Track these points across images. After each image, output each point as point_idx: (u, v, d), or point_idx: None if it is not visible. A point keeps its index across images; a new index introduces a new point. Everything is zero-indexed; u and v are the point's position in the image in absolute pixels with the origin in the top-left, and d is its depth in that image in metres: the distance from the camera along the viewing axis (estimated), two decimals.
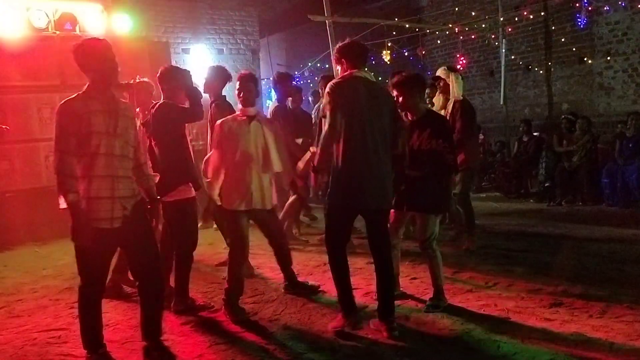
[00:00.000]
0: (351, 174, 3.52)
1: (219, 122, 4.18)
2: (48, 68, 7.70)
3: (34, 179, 7.66)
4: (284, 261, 4.55)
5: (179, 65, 5.24)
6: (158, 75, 4.26)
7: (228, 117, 4.25)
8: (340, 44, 3.76)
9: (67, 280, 5.41)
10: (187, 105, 4.18)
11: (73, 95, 3.16)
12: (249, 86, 4.17)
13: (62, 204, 3.15)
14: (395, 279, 4.22)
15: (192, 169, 4.28)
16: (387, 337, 3.49)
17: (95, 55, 3.20)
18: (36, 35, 7.57)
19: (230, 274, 4.10)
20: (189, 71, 4.43)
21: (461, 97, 5.60)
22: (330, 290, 4.29)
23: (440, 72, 5.70)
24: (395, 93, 3.97)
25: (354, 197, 3.55)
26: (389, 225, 3.94)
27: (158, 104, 4.22)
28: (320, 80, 6.27)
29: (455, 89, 5.58)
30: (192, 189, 4.23)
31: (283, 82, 6.02)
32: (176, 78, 4.21)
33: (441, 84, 5.66)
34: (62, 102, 3.13)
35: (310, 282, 4.63)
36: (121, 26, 8.31)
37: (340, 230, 3.70)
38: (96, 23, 8.11)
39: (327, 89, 3.60)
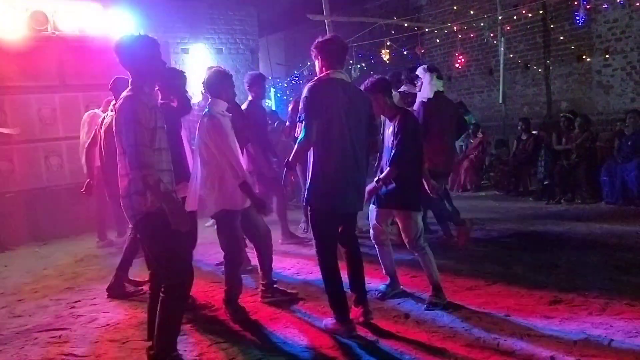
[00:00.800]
0: (332, 180, 3.50)
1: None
2: (47, 68, 7.71)
3: (34, 180, 7.68)
4: (267, 264, 4.45)
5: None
6: None
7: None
8: (319, 38, 3.64)
9: (67, 280, 5.43)
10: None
11: (128, 93, 3.07)
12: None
13: (135, 201, 3.06)
14: (393, 275, 4.34)
15: (186, 167, 4.28)
16: (364, 321, 3.68)
17: (147, 52, 3.14)
18: (35, 35, 7.58)
19: (229, 273, 4.11)
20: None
21: (426, 98, 5.45)
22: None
23: (418, 71, 5.68)
24: None
25: (335, 201, 3.54)
26: (375, 223, 4.25)
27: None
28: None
29: (427, 90, 5.49)
30: (184, 188, 4.24)
31: (259, 83, 5.95)
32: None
33: (419, 82, 5.61)
34: (130, 98, 3.04)
35: (289, 290, 4.52)
36: (120, 26, 8.32)
37: (328, 236, 3.66)
38: (95, 23, 8.12)
39: (304, 93, 3.51)
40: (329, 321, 3.68)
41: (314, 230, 3.71)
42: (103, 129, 5.00)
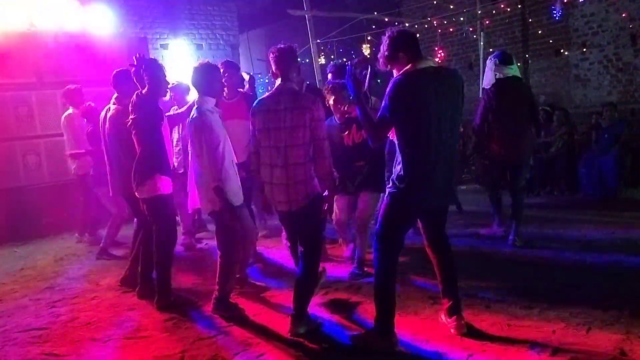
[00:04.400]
0: (424, 172, 3.16)
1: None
2: (24, 65, 7.58)
3: (12, 179, 7.55)
4: (245, 259, 4.43)
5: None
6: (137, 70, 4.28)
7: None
8: (386, 39, 3.26)
9: (47, 280, 5.36)
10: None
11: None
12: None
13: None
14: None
15: (167, 161, 4.27)
16: (456, 334, 3.36)
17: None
18: (11, 32, 7.44)
19: (224, 270, 3.99)
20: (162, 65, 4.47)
21: (488, 86, 5.58)
22: None
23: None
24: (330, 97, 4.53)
25: (426, 194, 3.22)
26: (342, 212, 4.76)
27: (137, 96, 4.25)
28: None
29: (488, 77, 5.54)
30: (167, 184, 4.23)
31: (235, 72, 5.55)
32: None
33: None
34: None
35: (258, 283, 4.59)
36: (98, 22, 8.22)
37: (397, 237, 3.31)
38: (72, 19, 8.01)
39: (388, 90, 3.11)
40: (364, 333, 3.40)
41: (384, 227, 3.27)
42: (108, 123, 4.80)
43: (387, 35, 3.29)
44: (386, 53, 3.25)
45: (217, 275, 4.03)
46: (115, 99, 4.78)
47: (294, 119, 3.42)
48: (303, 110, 3.42)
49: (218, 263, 4.02)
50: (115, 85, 4.77)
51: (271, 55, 3.59)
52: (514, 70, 5.39)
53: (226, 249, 3.98)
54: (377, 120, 3.22)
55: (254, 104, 3.67)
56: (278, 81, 3.60)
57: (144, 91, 4.22)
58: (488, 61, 5.52)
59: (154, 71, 4.19)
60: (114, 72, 4.81)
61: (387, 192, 3.32)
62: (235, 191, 3.89)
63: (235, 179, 3.89)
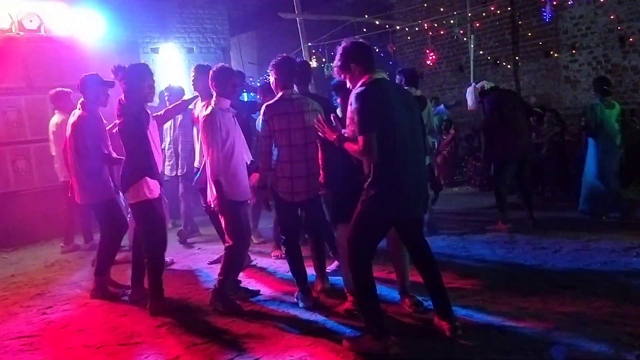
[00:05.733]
0: (397, 183, 3.19)
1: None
2: (13, 70, 7.52)
3: (1, 184, 7.48)
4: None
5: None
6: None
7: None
8: (340, 49, 3.33)
9: (38, 286, 5.31)
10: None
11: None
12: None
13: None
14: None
15: (155, 165, 4.26)
16: (450, 337, 3.35)
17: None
18: (1, 36, 7.38)
19: (228, 264, 4.09)
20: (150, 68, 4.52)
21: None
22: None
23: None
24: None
25: (400, 207, 3.25)
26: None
27: (118, 103, 4.27)
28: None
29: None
30: (155, 188, 4.22)
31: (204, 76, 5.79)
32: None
33: None
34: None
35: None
36: (88, 26, 8.17)
37: (370, 245, 3.32)
38: (62, 23, 7.95)
39: (354, 104, 3.17)
40: (359, 337, 3.38)
41: (356, 237, 3.27)
42: (70, 128, 4.81)
43: (341, 45, 3.37)
44: (339, 63, 3.36)
45: (221, 266, 4.13)
46: (80, 103, 4.76)
47: (310, 120, 3.97)
48: (316, 112, 4.01)
49: (224, 254, 4.14)
50: (81, 90, 4.77)
51: (272, 68, 4.18)
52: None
53: (233, 241, 4.08)
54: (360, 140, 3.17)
55: (267, 110, 4.08)
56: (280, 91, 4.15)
57: (122, 97, 4.22)
58: (470, 88, 6.60)
59: (129, 78, 4.20)
60: (82, 76, 4.80)
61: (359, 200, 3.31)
62: (242, 188, 4.17)
63: (242, 177, 4.17)
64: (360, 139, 3.15)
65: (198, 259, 5.90)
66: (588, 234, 5.60)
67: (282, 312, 4.07)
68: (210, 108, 4.07)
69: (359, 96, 3.17)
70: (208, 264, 5.56)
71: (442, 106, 10.60)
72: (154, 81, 4.36)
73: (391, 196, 3.19)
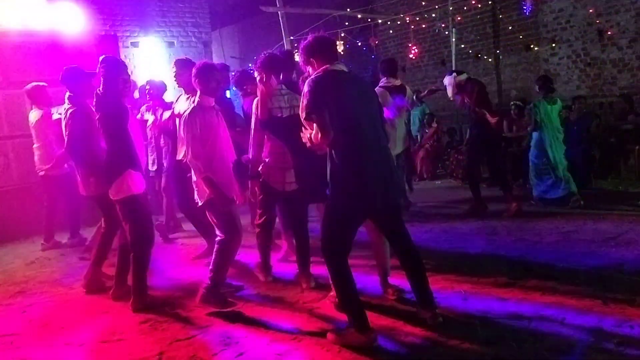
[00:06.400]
0: (362, 175, 3.20)
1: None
2: None
3: None
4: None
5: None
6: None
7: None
8: (303, 43, 3.44)
9: (18, 284, 5.23)
10: None
11: None
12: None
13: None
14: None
15: (137, 158, 4.24)
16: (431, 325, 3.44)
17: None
18: None
19: (223, 255, 3.96)
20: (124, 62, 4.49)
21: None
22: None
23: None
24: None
25: (368, 199, 3.25)
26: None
27: (95, 95, 4.22)
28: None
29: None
30: (140, 183, 4.18)
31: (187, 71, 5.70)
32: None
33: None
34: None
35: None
36: (66, 20, 8.04)
37: (342, 238, 3.32)
38: (40, 17, 7.82)
39: (305, 88, 3.24)
40: (343, 330, 3.35)
41: (328, 233, 3.32)
42: (69, 128, 4.72)
43: (305, 40, 3.45)
44: (302, 58, 3.47)
45: (212, 261, 3.98)
46: (68, 98, 4.70)
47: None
48: None
49: (215, 249, 4.00)
50: (65, 83, 4.72)
51: (259, 67, 4.27)
52: None
53: (226, 237, 3.95)
54: (305, 122, 3.27)
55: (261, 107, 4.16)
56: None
57: (99, 90, 4.18)
58: (448, 78, 6.68)
59: (107, 70, 4.16)
60: (64, 68, 4.74)
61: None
62: (226, 186, 3.98)
63: (226, 175, 4.00)
64: (312, 121, 3.21)
65: (181, 254, 5.86)
66: (568, 226, 5.68)
67: (266, 307, 4.07)
68: (191, 106, 3.96)
69: (309, 81, 3.23)
70: (192, 258, 5.53)
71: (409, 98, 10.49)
72: (128, 76, 4.32)
73: (354, 187, 3.21)
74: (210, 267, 3.99)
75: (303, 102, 3.23)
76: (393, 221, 3.51)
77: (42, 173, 6.36)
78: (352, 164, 3.20)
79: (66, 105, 4.72)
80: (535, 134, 6.92)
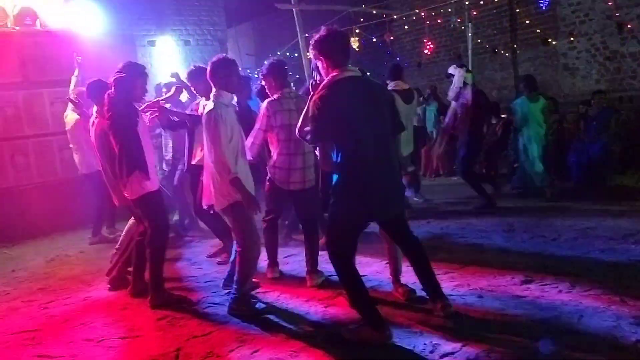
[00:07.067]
0: (365, 188, 3.22)
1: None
2: (9, 65, 7.50)
3: (0, 180, 7.48)
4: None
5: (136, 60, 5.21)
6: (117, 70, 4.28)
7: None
8: (315, 37, 3.31)
9: (39, 281, 5.33)
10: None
11: None
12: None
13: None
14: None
15: (144, 160, 4.25)
16: (444, 315, 3.50)
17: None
18: None
19: (247, 265, 3.89)
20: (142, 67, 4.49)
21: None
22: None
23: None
24: None
25: (372, 208, 3.29)
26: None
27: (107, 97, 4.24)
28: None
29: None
30: (152, 181, 4.23)
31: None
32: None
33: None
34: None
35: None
36: (84, 20, 8.13)
37: (348, 243, 3.36)
38: (57, 17, 7.92)
39: (310, 110, 3.22)
40: (358, 327, 3.36)
41: (332, 239, 3.36)
42: (98, 141, 4.78)
43: (317, 34, 3.35)
44: (312, 53, 3.44)
45: (236, 274, 3.91)
46: (96, 112, 4.78)
47: None
48: None
49: (237, 261, 3.92)
50: (91, 97, 4.80)
51: (267, 74, 4.50)
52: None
53: (247, 244, 3.87)
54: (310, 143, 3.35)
55: (271, 106, 4.36)
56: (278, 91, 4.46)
57: (111, 92, 4.22)
58: (457, 71, 6.82)
59: (124, 74, 4.20)
60: (88, 83, 4.84)
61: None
62: (250, 188, 3.90)
63: (248, 176, 3.92)
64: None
65: (197, 251, 5.91)
66: (586, 222, 5.61)
67: (281, 304, 4.09)
68: (211, 104, 3.80)
69: (316, 100, 3.18)
70: (207, 257, 5.58)
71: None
72: (146, 83, 4.37)
73: (357, 200, 3.23)
74: (236, 278, 3.92)
75: (310, 126, 3.21)
76: (397, 226, 3.57)
77: (84, 171, 6.50)
78: (355, 179, 3.21)
79: (95, 120, 4.80)
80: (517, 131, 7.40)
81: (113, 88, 4.20)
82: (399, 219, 3.55)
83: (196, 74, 4.94)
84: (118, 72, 4.22)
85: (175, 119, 5.04)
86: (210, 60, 3.97)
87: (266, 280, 4.61)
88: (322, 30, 3.31)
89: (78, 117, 6.35)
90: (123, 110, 4.16)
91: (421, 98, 10.00)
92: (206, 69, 4.02)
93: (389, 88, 5.97)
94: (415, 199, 7.38)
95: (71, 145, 6.64)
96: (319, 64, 3.37)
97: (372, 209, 3.30)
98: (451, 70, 6.95)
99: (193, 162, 5.15)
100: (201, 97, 4.96)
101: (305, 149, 4.38)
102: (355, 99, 3.21)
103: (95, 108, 4.87)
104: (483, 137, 7.13)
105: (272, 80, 4.48)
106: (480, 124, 6.94)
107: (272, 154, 4.53)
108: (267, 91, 4.64)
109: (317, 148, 3.37)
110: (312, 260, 4.45)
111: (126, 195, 4.29)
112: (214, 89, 3.91)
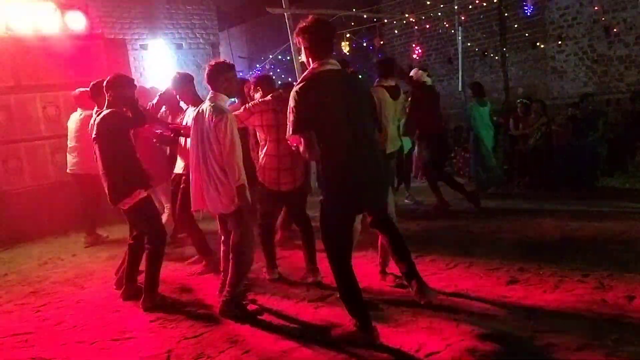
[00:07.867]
0: (349, 181, 3.27)
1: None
2: (2, 69, 7.51)
3: None
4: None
5: (125, 72, 5.27)
6: (105, 82, 4.33)
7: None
8: (300, 24, 3.28)
9: (32, 284, 5.36)
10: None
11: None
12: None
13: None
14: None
15: (143, 172, 4.36)
16: (421, 302, 3.62)
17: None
18: None
19: (241, 269, 3.95)
20: (133, 80, 4.58)
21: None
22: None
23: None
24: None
25: (356, 202, 3.36)
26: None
27: (105, 113, 4.28)
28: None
29: None
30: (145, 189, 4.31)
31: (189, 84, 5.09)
32: (122, 86, 4.33)
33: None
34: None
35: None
36: (75, 24, 8.15)
37: (342, 239, 3.39)
38: (50, 22, 7.94)
39: (291, 102, 3.24)
40: (346, 328, 3.43)
41: (326, 234, 3.40)
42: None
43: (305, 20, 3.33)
44: (296, 34, 3.35)
45: (230, 276, 3.97)
46: (96, 113, 4.82)
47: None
48: None
49: (230, 264, 3.97)
50: (95, 99, 4.82)
51: (257, 85, 4.66)
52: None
53: (242, 249, 3.92)
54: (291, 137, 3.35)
55: (257, 106, 4.40)
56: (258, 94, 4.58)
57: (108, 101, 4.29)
58: (415, 71, 7.14)
59: (114, 85, 4.29)
60: (91, 84, 4.86)
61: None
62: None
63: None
64: (298, 138, 3.26)
65: (191, 253, 5.94)
66: (573, 223, 5.70)
67: (272, 305, 4.15)
68: (210, 107, 3.83)
69: (294, 93, 3.22)
70: (186, 264, 5.49)
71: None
72: (134, 93, 4.43)
73: (341, 192, 3.30)
74: (229, 280, 3.97)
75: (289, 117, 3.24)
76: (379, 214, 3.64)
77: (83, 172, 6.55)
78: (337, 170, 3.27)
79: (93, 120, 4.84)
80: (472, 132, 8.01)
81: (110, 100, 4.26)
82: (384, 209, 3.62)
83: (181, 81, 4.95)
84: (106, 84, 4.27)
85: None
86: (209, 63, 3.97)
87: (259, 281, 4.67)
88: (309, 18, 3.30)
89: (85, 115, 6.34)
90: (118, 122, 4.24)
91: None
92: (189, 75, 4.10)
93: (375, 83, 6.00)
94: (406, 200, 7.48)
95: (72, 145, 6.66)
96: (303, 53, 3.35)
97: (357, 198, 3.34)
98: (412, 72, 7.16)
99: (175, 171, 5.17)
100: (187, 104, 5.01)
101: (293, 149, 4.32)
102: (333, 89, 3.25)
103: (95, 108, 4.87)
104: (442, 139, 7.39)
105: (263, 91, 4.59)
106: (432, 126, 7.08)
107: (258, 155, 4.60)
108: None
109: (301, 140, 3.28)
110: (311, 257, 4.55)
111: (120, 207, 4.34)
112: (211, 92, 3.94)
